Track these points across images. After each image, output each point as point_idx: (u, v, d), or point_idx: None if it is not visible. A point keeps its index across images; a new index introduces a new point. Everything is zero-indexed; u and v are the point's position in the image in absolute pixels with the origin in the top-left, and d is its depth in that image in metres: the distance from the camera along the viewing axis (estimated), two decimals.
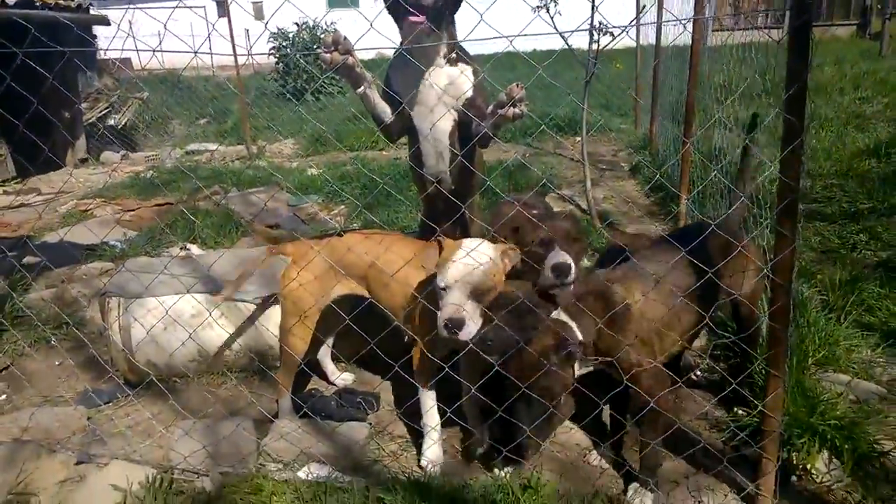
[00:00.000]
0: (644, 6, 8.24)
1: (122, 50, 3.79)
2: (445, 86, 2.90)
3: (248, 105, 11.49)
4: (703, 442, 2.61)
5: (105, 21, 9.84)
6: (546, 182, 6.15)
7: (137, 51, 5.88)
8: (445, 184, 3.11)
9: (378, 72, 3.12)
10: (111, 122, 11.36)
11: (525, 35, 2.44)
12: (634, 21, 8.30)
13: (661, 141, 7.79)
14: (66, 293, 4.80)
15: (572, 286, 2.58)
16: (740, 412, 2.91)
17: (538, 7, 5.23)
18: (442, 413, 2.73)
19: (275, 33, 15.39)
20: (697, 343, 3.65)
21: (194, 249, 5.85)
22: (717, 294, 2.71)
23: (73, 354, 3.94)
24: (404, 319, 2.82)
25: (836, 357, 3.23)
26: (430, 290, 2.57)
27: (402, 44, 2.80)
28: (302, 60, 13.68)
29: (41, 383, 3.79)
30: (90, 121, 10.87)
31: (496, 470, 2.66)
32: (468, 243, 2.47)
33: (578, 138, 9.00)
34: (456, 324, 2.31)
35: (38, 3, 8.65)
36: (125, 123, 11.57)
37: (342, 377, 3.52)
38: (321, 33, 15.57)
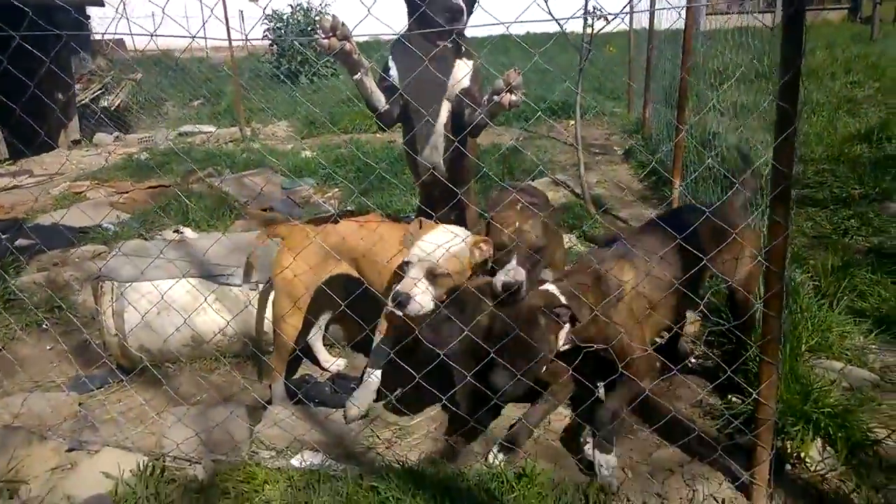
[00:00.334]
0: None
1: (116, 34, 3.67)
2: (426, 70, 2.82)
3: (243, 87, 11.32)
4: (698, 430, 2.57)
5: (99, 2, 9.65)
6: (541, 168, 6.07)
7: (132, 34, 5.76)
8: (440, 171, 3.04)
9: (375, 56, 3.04)
10: (104, 103, 11.18)
11: (522, 21, 2.38)
12: (628, 6, 8.19)
13: (654, 125, 7.72)
14: (59, 277, 4.73)
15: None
16: (734, 399, 2.88)
17: None
18: (435, 400, 2.69)
19: (269, 15, 15.17)
20: (692, 329, 3.61)
21: (188, 232, 5.76)
22: (704, 277, 2.71)
23: (65, 339, 3.86)
24: (385, 293, 2.81)
25: (828, 344, 3.19)
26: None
27: (408, 32, 2.76)
28: (297, 43, 13.49)
29: (33, 368, 3.72)
30: (83, 102, 10.70)
31: (490, 458, 2.62)
32: (444, 228, 2.52)
33: (572, 122, 8.91)
34: (403, 298, 2.40)
35: None
36: (118, 105, 11.39)
37: (336, 363, 3.47)
38: (315, 16, 15.37)
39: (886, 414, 2.73)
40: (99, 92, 11.00)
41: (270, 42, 14.96)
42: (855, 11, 19.17)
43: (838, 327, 3.33)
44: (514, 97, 2.47)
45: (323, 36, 2.47)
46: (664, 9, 7.29)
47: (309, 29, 15.03)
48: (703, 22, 5.81)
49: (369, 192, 6.57)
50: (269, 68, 15.25)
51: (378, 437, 2.89)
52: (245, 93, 11.50)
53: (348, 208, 6.26)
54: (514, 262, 2.53)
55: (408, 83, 2.84)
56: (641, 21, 9.04)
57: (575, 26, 5.10)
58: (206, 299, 3.25)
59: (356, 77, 2.72)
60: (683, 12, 4.98)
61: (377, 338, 2.92)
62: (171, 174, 7.90)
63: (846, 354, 3.18)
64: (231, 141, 10.18)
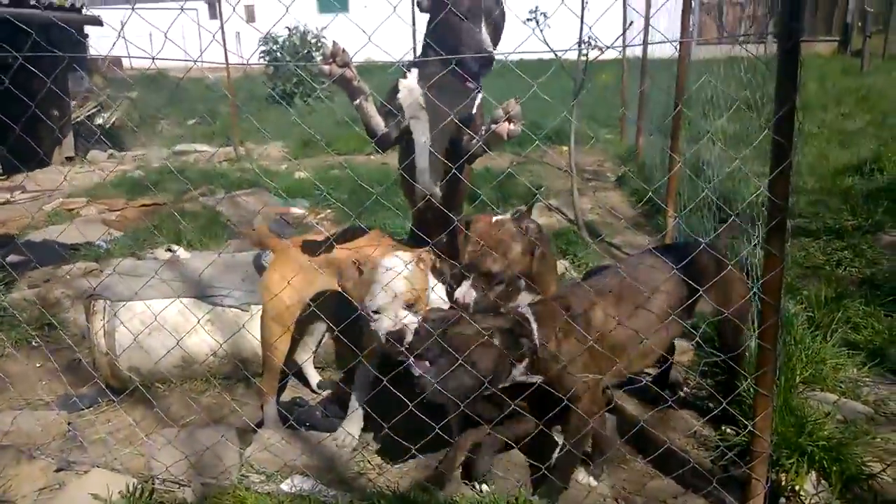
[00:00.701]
0: (631, 21, 8.26)
1: (117, 57, 3.69)
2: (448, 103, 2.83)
3: (238, 107, 11.37)
4: (692, 462, 2.56)
5: (98, 21, 9.70)
6: (537, 196, 6.11)
7: (130, 56, 5.78)
8: (436, 197, 3.05)
9: (374, 83, 3.05)
10: (99, 120, 11.19)
11: (521, 52, 2.41)
12: (621, 37, 8.31)
13: (646, 153, 7.79)
14: (50, 294, 4.69)
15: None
16: (728, 431, 2.87)
17: (528, 20, 5.20)
18: (428, 429, 2.66)
19: (265, 37, 15.29)
20: (685, 359, 3.61)
21: (180, 251, 5.75)
22: (692, 311, 2.73)
23: (55, 357, 3.81)
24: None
25: (822, 376, 3.20)
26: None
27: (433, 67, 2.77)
28: (293, 66, 13.59)
29: (22, 385, 3.69)
30: (79, 119, 10.71)
31: (483, 486, 2.60)
32: (385, 262, 2.55)
33: (565, 147, 8.98)
34: (397, 337, 2.46)
35: (31, 3, 8.50)
36: (114, 123, 11.40)
37: (327, 386, 3.45)
38: (311, 38, 15.49)
39: (881, 448, 2.73)
40: (95, 110, 11.01)
41: (266, 64, 15.07)
42: (845, 44, 19.44)
43: (832, 359, 3.34)
44: (513, 126, 2.49)
45: (323, 62, 2.49)
46: (657, 43, 7.42)
47: (305, 52, 15.15)
48: (695, 52, 5.88)
49: (362, 213, 6.58)
50: (265, 89, 15.33)
51: (369, 462, 2.86)
52: (240, 113, 11.54)
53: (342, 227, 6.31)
54: (466, 283, 2.59)
55: (413, 109, 2.83)
56: (635, 50, 9.17)
57: (569, 53, 5.19)
58: (199, 321, 3.23)
59: (356, 102, 2.73)
60: (677, 45, 5.04)
61: (359, 375, 2.93)
62: (164, 192, 7.89)
63: (840, 387, 3.19)
64: (225, 160, 10.19)
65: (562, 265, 4.75)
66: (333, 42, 2.50)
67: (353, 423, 2.90)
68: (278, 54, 14.95)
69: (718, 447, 2.79)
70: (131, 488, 2.51)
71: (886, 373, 3.35)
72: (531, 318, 2.40)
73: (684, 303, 2.62)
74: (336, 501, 2.45)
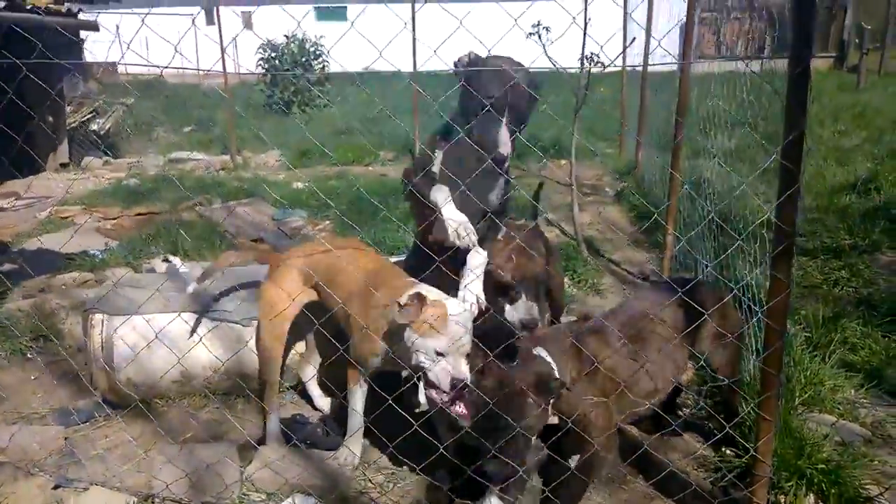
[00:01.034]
0: (633, 38, 8.33)
1: (114, 63, 3.71)
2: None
3: (235, 115, 11.40)
4: (693, 484, 2.59)
5: (94, 27, 9.72)
6: (540, 211, 6.15)
7: (125, 63, 5.81)
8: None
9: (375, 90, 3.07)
10: (94, 126, 11.19)
11: (530, 68, 2.45)
12: (622, 55, 8.40)
13: (646, 168, 7.85)
14: (45, 304, 4.69)
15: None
16: (728, 452, 2.90)
17: (531, 34, 5.25)
18: (427, 453, 2.68)
19: (263, 44, 15.34)
20: (685, 377, 3.64)
21: (176, 262, 5.76)
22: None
23: (50, 368, 3.83)
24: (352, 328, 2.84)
25: (821, 397, 3.24)
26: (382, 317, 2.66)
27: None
28: (291, 76, 13.64)
29: (16, 397, 3.68)
30: (73, 125, 10.71)
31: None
32: (450, 301, 2.51)
33: (563, 161, 9.04)
34: (444, 388, 2.42)
35: (28, 7, 8.52)
36: (109, 129, 11.40)
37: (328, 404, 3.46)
38: (310, 46, 15.54)
39: (878, 470, 2.77)
40: (90, 115, 11.02)
41: (265, 72, 15.11)
42: (841, 60, 19.64)
43: (830, 381, 3.38)
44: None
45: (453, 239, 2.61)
46: (658, 64, 7.52)
47: (303, 60, 15.20)
48: (694, 66, 5.93)
49: (361, 225, 6.61)
50: (262, 97, 15.37)
51: (370, 481, 2.88)
52: (237, 121, 11.57)
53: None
54: (524, 297, 2.58)
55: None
56: (634, 62, 9.25)
57: (570, 63, 5.24)
58: (201, 338, 3.25)
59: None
60: (677, 58, 5.10)
61: (351, 387, 2.91)
62: (160, 201, 7.90)
63: (838, 409, 3.23)
64: (222, 169, 10.21)
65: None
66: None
67: (354, 442, 2.92)
68: (276, 62, 15.01)
69: (719, 469, 2.82)
70: None
71: (883, 394, 3.40)
72: (550, 361, 2.42)
73: (688, 337, 2.67)
74: None
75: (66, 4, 9.85)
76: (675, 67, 5.54)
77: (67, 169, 10.42)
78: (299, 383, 3.53)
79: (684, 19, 5.21)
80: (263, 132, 12.20)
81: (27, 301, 4.81)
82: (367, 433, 2.96)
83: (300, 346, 3.45)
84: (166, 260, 5.73)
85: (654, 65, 7.84)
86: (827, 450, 2.79)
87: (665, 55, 7.24)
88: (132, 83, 14.00)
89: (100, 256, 5.98)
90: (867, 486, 2.64)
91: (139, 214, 7.48)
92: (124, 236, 6.68)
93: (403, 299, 2.44)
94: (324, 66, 15.71)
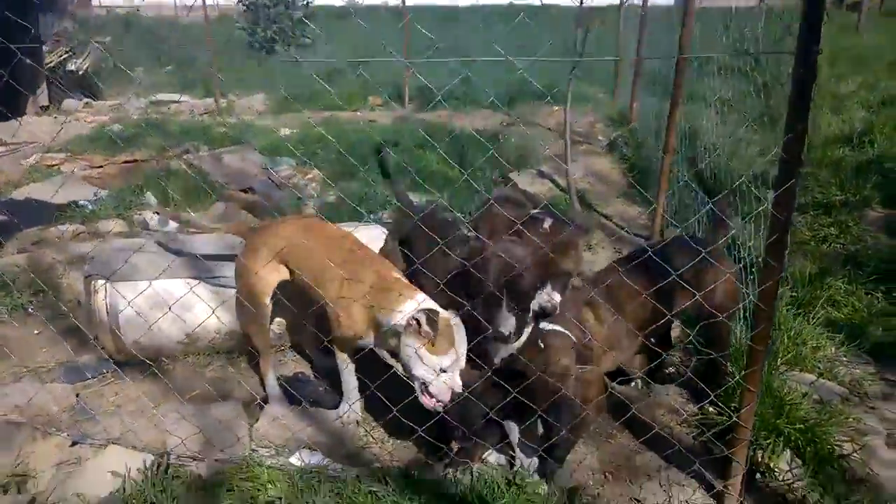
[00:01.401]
0: None
1: None
2: None
3: (216, 54, 11.25)
4: (675, 441, 2.83)
5: None
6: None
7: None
8: None
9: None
10: (72, 66, 11.07)
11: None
12: None
13: (640, 115, 7.91)
14: (42, 259, 4.81)
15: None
16: (711, 410, 3.13)
17: None
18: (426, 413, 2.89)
19: None
20: (673, 334, 3.86)
21: (164, 217, 5.88)
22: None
23: (52, 324, 3.99)
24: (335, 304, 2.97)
25: (803, 357, 3.46)
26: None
27: None
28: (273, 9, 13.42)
29: (22, 352, 3.82)
30: (50, 65, 10.59)
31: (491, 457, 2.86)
32: (459, 325, 2.65)
33: (556, 107, 9.10)
34: (443, 400, 2.63)
35: None
36: (86, 69, 11.27)
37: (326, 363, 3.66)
38: None
39: (853, 428, 3.01)
40: (66, 55, 10.88)
41: (245, 7, 14.82)
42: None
43: (812, 340, 3.60)
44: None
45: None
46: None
47: None
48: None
49: (349, 178, 6.70)
50: (244, 35, 15.12)
51: (372, 436, 3.10)
52: (219, 61, 11.43)
53: (330, 196, 6.45)
54: (549, 286, 2.73)
55: None
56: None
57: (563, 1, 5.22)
58: (213, 312, 3.39)
59: None
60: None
61: (338, 354, 3.08)
62: (145, 148, 7.93)
63: (818, 367, 3.45)
64: (206, 113, 10.18)
65: None
66: None
67: (352, 400, 3.12)
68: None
69: (701, 425, 3.05)
70: (148, 465, 2.73)
71: (863, 353, 3.63)
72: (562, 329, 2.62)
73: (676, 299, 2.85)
74: (344, 477, 2.67)
75: None
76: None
77: (48, 112, 10.35)
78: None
79: None
80: (247, 73, 12.12)
81: (22, 255, 4.93)
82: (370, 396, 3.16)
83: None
84: (157, 213, 5.86)
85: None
86: (805, 408, 3.03)
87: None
88: (107, 19, 13.74)
89: (90, 207, 6.08)
90: (841, 444, 2.88)
91: (125, 162, 7.51)
92: (112, 185, 6.75)
93: (421, 318, 2.59)
94: (307, 3, 15.43)
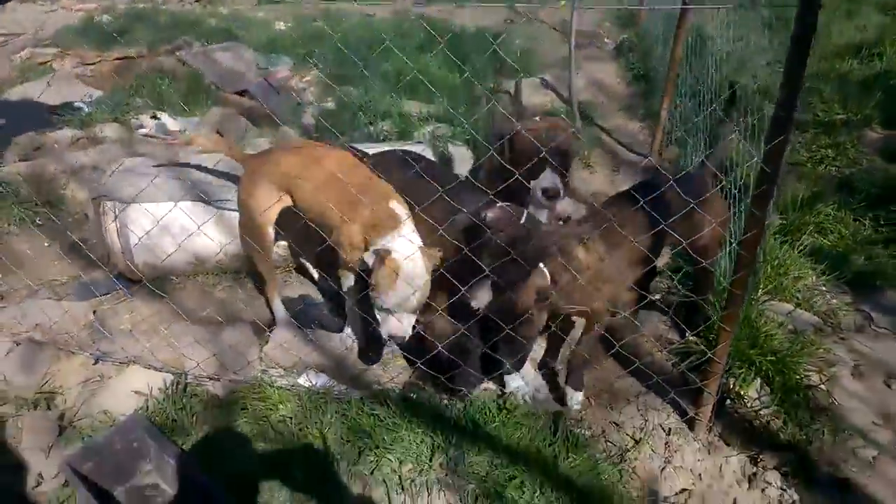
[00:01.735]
0: None
1: None
2: None
3: None
4: (655, 367, 3.13)
5: None
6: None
7: None
8: None
9: None
10: None
11: None
12: None
13: (649, 17, 7.82)
14: (44, 169, 4.97)
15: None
16: (691, 339, 3.42)
17: None
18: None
19: None
20: (662, 261, 4.11)
21: (164, 118, 5.99)
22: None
23: (59, 237, 4.22)
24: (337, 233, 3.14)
25: (783, 287, 3.71)
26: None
27: None
28: None
29: (32, 265, 4.07)
30: None
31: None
32: (406, 267, 2.83)
33: (563, 2, 8.95)
34: (397, 336, 2.91)
35: None
36: None
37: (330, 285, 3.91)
38: None
39: (822, 358, 3.31)
40: None
41: None
42: None
43: (795, 269, 3.84)
44: None
45: None
46: None
47: None
48: None
49: (347, 81, 6.72)
50: None
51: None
52: None
53: (328, 102, 6.51)
54: (548, 170, 2.97)
55: None
56: None
57: None
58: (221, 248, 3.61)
59: None
60: None
61: (340, 273, 3.26)
62: (137, 43, 7.89)
63: (797, 297, 3.71)
64: (197, 1, 10.00)
65: None
66: None
67: (355, 326, 3.40)
68: None
69: (680, 353, 3.34)
70: (168, 384, 3.04)
71: (842, 283, 3.88)
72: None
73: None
74: (349, 399, 2.99)
75: None
76: None
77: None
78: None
79: None
80: None
81: (24, 164, 5.08)
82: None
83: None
84: (154, 117, 5.97)
85: None
86: (779, 338, 3.31)
87: None
88: None
89: (86, 110, 6.17)
90: (809, 374, 3.19)
91: (118, 59, 7.51)
92: (106, 84, 6.81)
93: (369, 256, 2.84)
94: None
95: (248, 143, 5.73)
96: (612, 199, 3.36)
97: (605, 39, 8.18)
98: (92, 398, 3.02)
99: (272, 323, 3.54)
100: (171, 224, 3.61)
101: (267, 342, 3.37)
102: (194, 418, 2.94)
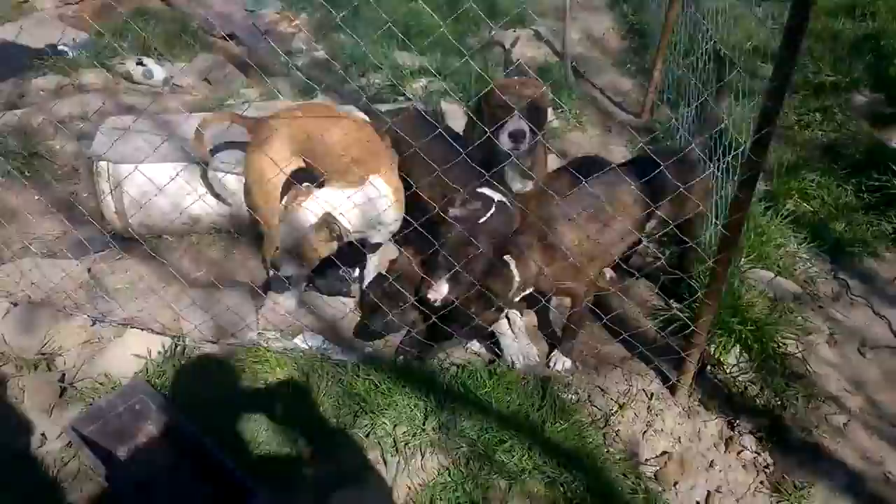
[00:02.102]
0: None
1: None
2: None
3: None
4: (639, 332, 3.26)
5: None
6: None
7: None
8: None
9: None
10: None
11: None
12: None
13: None
14: (31, 120, 4.93)
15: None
16: (675, 306, 3.53)
17: None
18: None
19: None
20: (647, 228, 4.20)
21: (150, 64, 5.91)
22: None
23: (49, 191, 4.23)
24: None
25: (765, 254, 3.82)
26: None
27: None
28: None
29: (25, 220, 4.07)
30: None
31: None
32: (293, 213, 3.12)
33: None
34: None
35: None
36: None
37: None
38: None
39: (799, 327, 3.44)
40: None
41: None
42: None
43: (778, 236, 3.95)
44: None
45: None
46: None
47: None
48: None
49: (338, 29, 6.63)
50: None
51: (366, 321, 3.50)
52: None
53: (318, 48, 6.44)
54: (515, 116, 3.11)
55: None
56: None
57: None
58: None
59: None
60: None
61: None
62: None
63: (778, 265, 3.82)
64: None
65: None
66: None
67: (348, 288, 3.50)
68: None
69: (663, 320, 3.46)
70: (166, 347, 3.12)
71: (822, 251, 4.00)
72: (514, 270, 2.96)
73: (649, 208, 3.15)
74: (344, 363, 3.09)
75: None
76: None
77: None
78: None
79: None
80: None
81: (10, 114, 5.03)
82: None
83: None
84: (140, 63, 5.89)
85: None
86: (760, 305, 3.45)
87: None
88: None
89: (70, 55, 6.07)
90: (787, 341, 3.33)
91: None
92: (89, 27, 6.66)
93: None
94: None
95: (237, 93, 5.70)
96: (600, 174, 3.39)
97: None
98: (92, 360, 3.10)
99: (267, 284, 3.61)
100: (166, 185, 3.62)
101: (263, 304, 3.45)
102: (193, 382, 3.04)
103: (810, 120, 5.22)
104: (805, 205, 4.38)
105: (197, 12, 6.97)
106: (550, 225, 3.01)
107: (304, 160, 3.37)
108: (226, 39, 6.62)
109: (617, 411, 3.09)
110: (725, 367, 3.26)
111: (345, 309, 3.53)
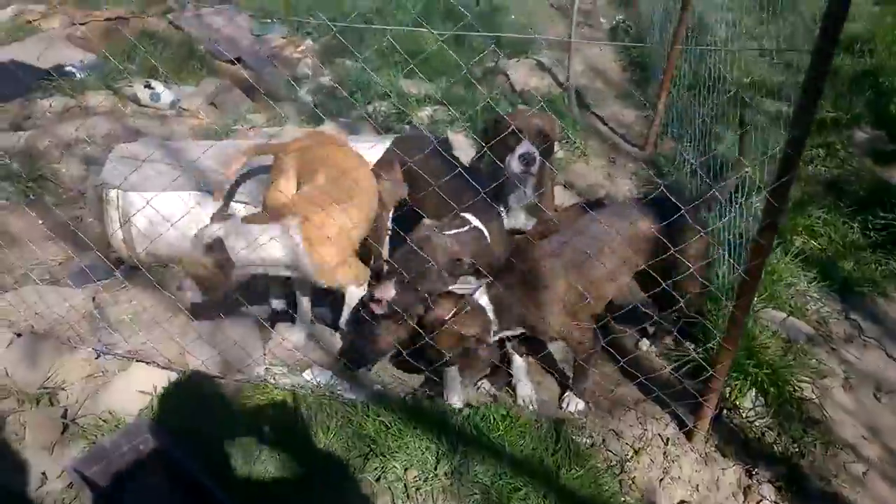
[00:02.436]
0: None
1: None
2: None
3: None
4: (654, 374, 3.12)
5: None
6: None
7: None
8: None
9: None
10: None
11: None
12: None
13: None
14: (37, 142, 4.79)
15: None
16: (688, 346, 3.40)
17: None
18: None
19: None
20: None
21: (158, 87, 5.78)
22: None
23: (54, 214, 4.08)
24: None
25: (777, 294, 3.71)
26: None
27: None
28: None
29: (28, 245, 3.91)
30: None
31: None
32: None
33: None
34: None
35: None
36: None
37: None
38: None
39: (814, 370, 3.32)
40: None
41: None
42: None
43: (788, 275, 3.84)
44: None
45: None
46: None
47: None
48: None
49: (342, 53, 6.55)
50: None
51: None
52: None
53: (325, 73, 6.34)
54: (525, 140, 3.12)
55: None
56: None
57: None
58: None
59: None
60: None
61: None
62: (126, 2, 7.58)
63: (789, 304, 3.70)
64: None
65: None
66: None
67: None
68: None
69: (678, 361, 3.32)
70: (171, 381, 2.97)
71: (832, 291, 3.88)
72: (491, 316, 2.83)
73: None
74: (354, 403, 2.94)
75: None
76: None
77: None
78: None
79: None
80: None
81: (17, 136, 4.88)
82: None
83: None
84: (148, 86, 5.76)
85: None
86: (773, 347, 3.32)
87: None
88: None
89: (78, 76, 5.94)
90: (802, 386, 3.20)
91: (108, 19, 7.22)
92: (96, 46, 6.54)
93: None
94: None
95: (243, 118, 5.58)
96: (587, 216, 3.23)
97: (601, 19, 8.01)
98: (96, 395, 2.94)
99: (273, 317, 3.47)
100: (175, 214, 3.48)
101: (271, 338, 3.30)
102: (199, 420, 2.88)
103: (814, 155, 5.14)
104: (813, 242, 4.27)
105: (204, 36, 6.87)
106: (540, 267, 2.87)
107: None
108: (232, 63, 6.50)
109: (632, 457, 2.94)
110: (741, 411, 3.13)
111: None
